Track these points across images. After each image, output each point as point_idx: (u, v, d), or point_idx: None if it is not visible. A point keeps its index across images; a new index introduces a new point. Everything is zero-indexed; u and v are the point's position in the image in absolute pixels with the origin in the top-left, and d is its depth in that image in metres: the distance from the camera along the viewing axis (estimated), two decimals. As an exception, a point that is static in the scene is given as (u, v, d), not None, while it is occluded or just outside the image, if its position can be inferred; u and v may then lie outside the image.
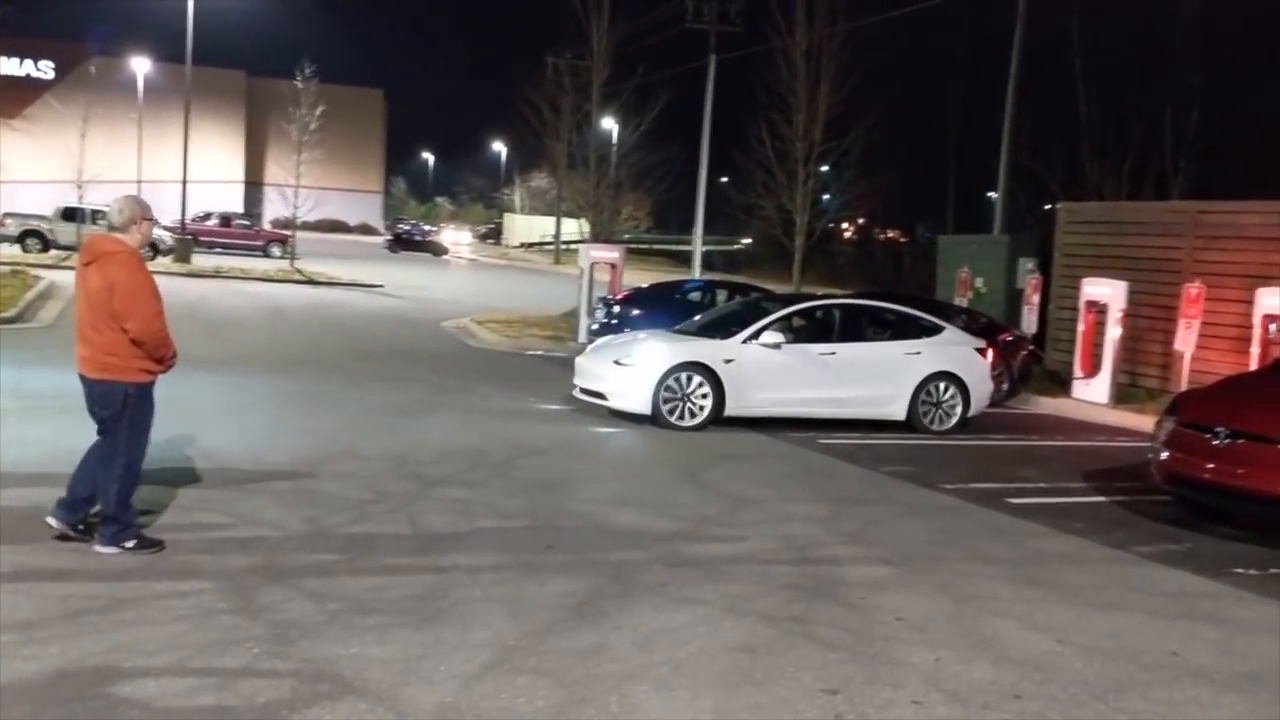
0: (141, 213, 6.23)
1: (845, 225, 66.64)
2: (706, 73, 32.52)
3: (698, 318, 14.24)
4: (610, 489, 8.81)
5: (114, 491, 6.18)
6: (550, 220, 70.43)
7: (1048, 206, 20.85)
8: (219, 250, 44.20)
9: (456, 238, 76.76)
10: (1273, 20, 37.68)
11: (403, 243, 63.40)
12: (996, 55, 28.37)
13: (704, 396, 11.86)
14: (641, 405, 11.80)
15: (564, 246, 63.47)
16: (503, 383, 14.75)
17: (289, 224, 39.48)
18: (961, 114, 51.88)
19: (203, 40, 37.46)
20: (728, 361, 11.94)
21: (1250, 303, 15.34)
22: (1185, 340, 15.82)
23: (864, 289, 28.11)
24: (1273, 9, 37.22)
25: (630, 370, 11.94)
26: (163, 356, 6.22)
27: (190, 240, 37.86)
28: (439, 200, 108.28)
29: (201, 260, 36.60)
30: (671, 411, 11.80)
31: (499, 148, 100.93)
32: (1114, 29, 39.62)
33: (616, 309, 17.91)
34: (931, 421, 12.68)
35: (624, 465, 10.06)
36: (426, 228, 72.10)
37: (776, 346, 12.15)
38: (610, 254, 20.70)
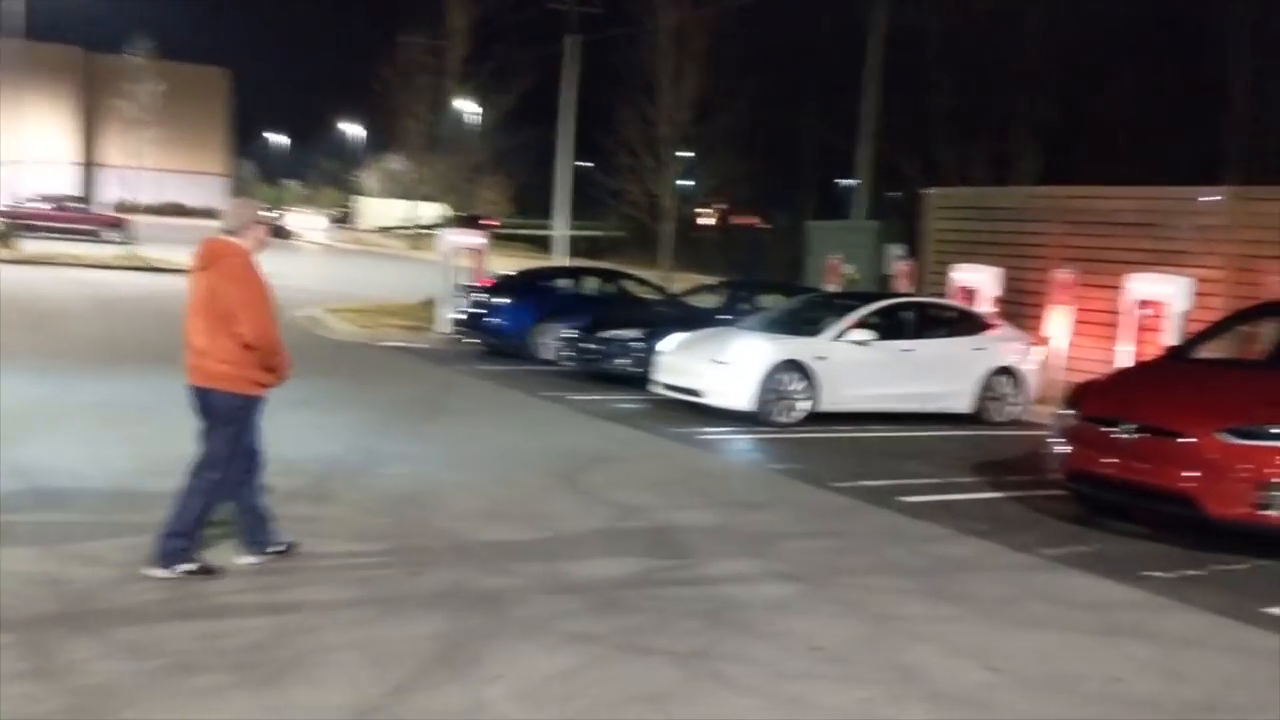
0: (255, 215, 6.09)
1: (704, 211, 66.54)
2: (567, 54, 31.71)
3: (760, 314, 14.10)
4: (478, 502, 8.00)
5: (196, 505, 5.84)
6: (407, 203, 68.53)
7: (929, 191, 20.62)
8: (50, 235, 41.31)
9: (308, 222, 74.13)
10: (1114, 9, 38.73)
11: (251, 227, 60.52)
12: (852, 43, 28.31)
13: (802, 393, 12.02)
14: (745, 403, 11.82)
15: (422, 231, 61.80)
16: (361, 378, 13.72)
17: (128, 207, 37.17)
18: (818, 101, 52.06)
19: (37, 14, 34.84)
20: (820, 359, 12.11)
21: (1119, 288, 15.34)
22: (1057, 326, 15.76)
23: (736, 276, 27.75)
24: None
25: (731, 368, 11.90)
26: (275, 365, 5.93)
27: (16, 225, 35.23)
28: (289, 183, 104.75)
29: (31, 246, 34.05)
30: (774, 409, 11.86)
31: (352, 129, 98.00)
32: (967, 17, 40.25)
33: (481, 297, 17.01)
34: (993, 414, 13.20)
35: (497, 467, 9.22)
36: (275, 212, 69.36)
37: (864, 344, 12.39)
38: (473, 239, 19.74)
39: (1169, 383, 8.43)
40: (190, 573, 5.75)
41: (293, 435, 9.87)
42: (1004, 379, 13.42)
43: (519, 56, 29.33)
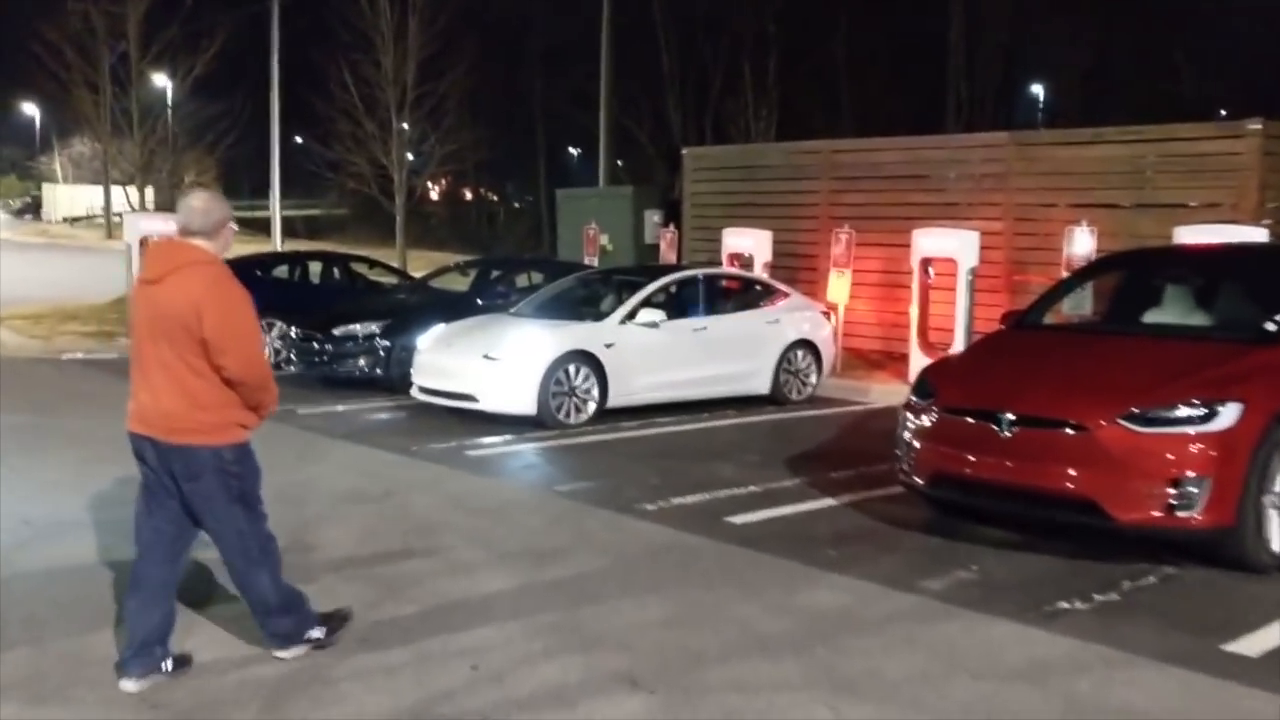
0: (228, 213, 4.70)
1: (432, 185, 63.62)
2: (270, 9, 28.37)
3: (532, 298, 12.06)
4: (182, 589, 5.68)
5: (265, 580, 4.71)
6: (100, 190, 62.05)
7: (686, 150, 19.08)
8: None
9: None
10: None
11: (-90, 224, 53.55)
12: (571, 8, 26.57)
13: (590, 388, 10.45)
14: (526, 405, 10.08)
15: (119, 219, 55.95)
16: (27, 406, 10.80)
17: None
18: (543, 66, 50.16)
19: None
20: (608, 346, 10.56)
21: (895, 245, 14.32)
22: (838, 290, 14.57)
23: (474, 253, 25.66)
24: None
25: (507, 365, 10.12)
26: (262, 402, 4.64)
27: None
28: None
29: None
30: (560, 409, 10.25)
31: (32, 110, 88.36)
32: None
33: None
34: (791, 391, 12.00)
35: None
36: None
37: (655, 325, 10.91)
38: (166, 224, 16.73)
39: (1035, 360, 7.05)
40: (321, 638, 4.84)
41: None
42: (801, 353, 12.13)
43: (211, 14, 25.77)
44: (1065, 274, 12.20)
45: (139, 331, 4.57)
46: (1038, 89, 45.43)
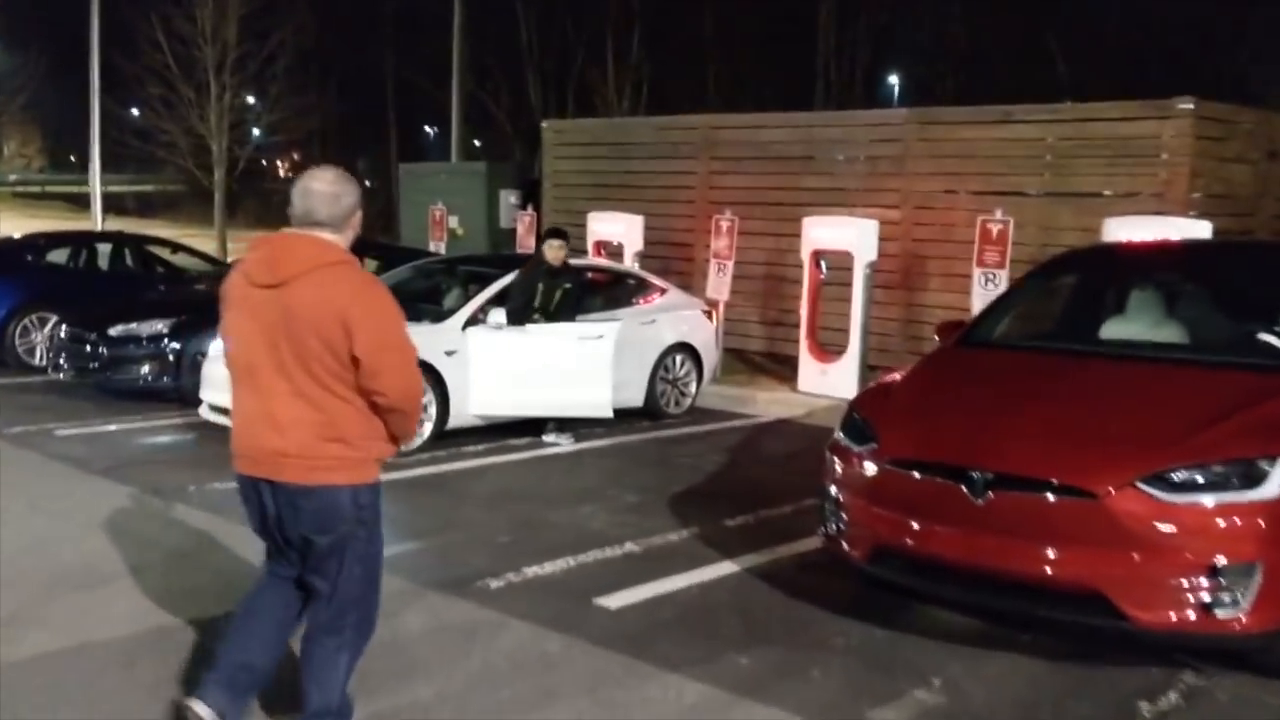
0: (358, 198, 3.71)
1: (281, 162, 60.08)
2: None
3: None
4: None
5: (342, 670, 3.75)
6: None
7: (545, 124, 17.14)
8: None
9: None
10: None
11: None
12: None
13: (425, 406, 8.32)
14: None
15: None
16: None
17: None
18: (394, 38, 47.30)
19: None
20: (450, 354, 8.69)
21: (782, 235, 12.77)
22: (719, 285, 12.88)
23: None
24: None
25: None
26: (409, 431, 3.82)
27: None
28: None
29: None
30: None
31: None
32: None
33: (-70, 282, 11.73)
34: (668, 403, 10.38)
35: None
36: None
37: (507, 328, 8.95)
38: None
39: (1006, 393, 5.35)
40: None
41: None
42: (679, 358, 10.46)
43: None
44: (977, 271, 10.87)
45: (250, 348, 3.63)
46: (895, 78, 44.67)
